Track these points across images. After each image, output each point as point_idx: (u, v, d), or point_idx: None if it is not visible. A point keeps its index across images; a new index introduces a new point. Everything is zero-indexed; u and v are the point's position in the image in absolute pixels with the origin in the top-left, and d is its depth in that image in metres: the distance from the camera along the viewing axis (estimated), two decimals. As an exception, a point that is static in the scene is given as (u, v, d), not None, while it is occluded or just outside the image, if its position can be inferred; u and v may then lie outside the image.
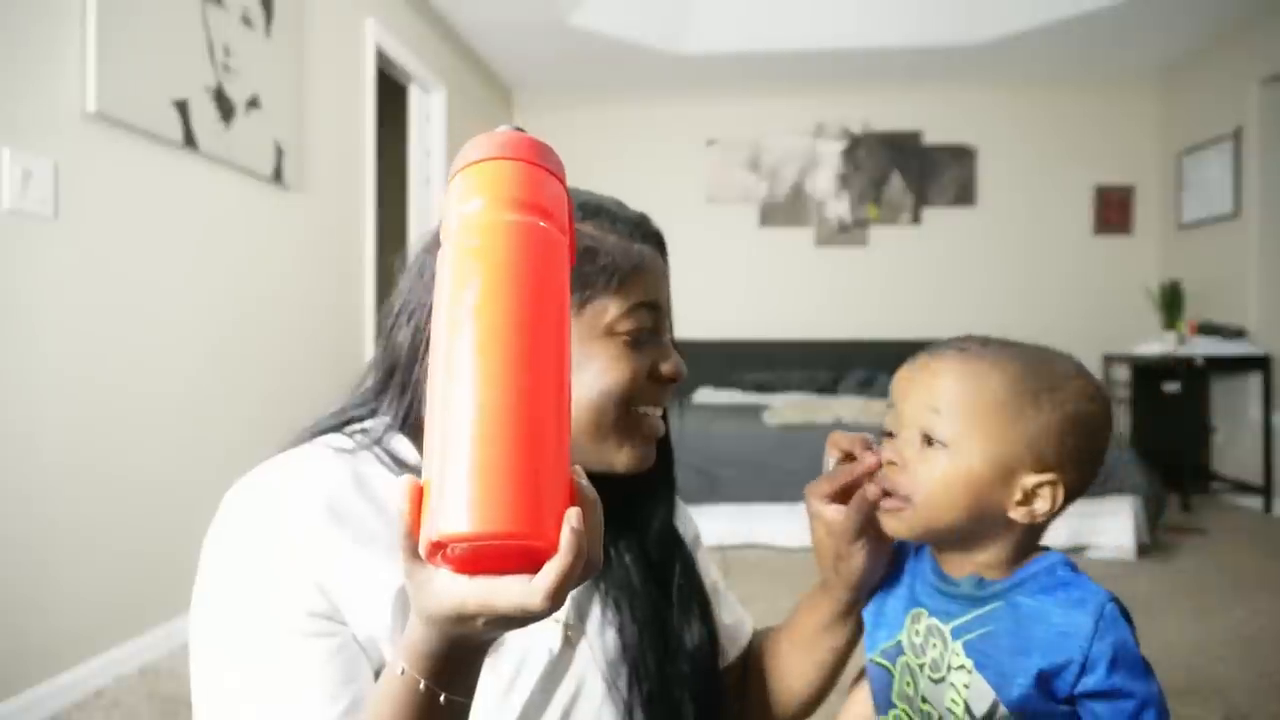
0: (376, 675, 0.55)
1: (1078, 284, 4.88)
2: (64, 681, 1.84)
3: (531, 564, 0.37)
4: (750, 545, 3.29)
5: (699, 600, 0.72)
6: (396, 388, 0.62)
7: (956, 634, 0.61)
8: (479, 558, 0.38)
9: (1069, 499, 0.61)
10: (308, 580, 0.53)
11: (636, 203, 0.68)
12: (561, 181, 0.44)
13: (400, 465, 0.59)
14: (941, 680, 0.61)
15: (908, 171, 5.04)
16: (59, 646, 1.85)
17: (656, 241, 0.66)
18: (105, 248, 1.98)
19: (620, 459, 0.61)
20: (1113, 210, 4.92)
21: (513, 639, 0.60)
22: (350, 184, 3.20)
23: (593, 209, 0.62)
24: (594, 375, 0.59)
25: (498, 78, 4.95)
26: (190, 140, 2.21)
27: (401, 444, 0.61)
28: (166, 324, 2.18)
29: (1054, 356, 0.63)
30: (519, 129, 0.44)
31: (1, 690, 1.71)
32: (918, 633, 0.64)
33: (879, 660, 0.67)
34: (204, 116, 2.26)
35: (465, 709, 0.45)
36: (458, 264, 0.40)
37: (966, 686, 0.59)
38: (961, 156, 5.00)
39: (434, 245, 0.61)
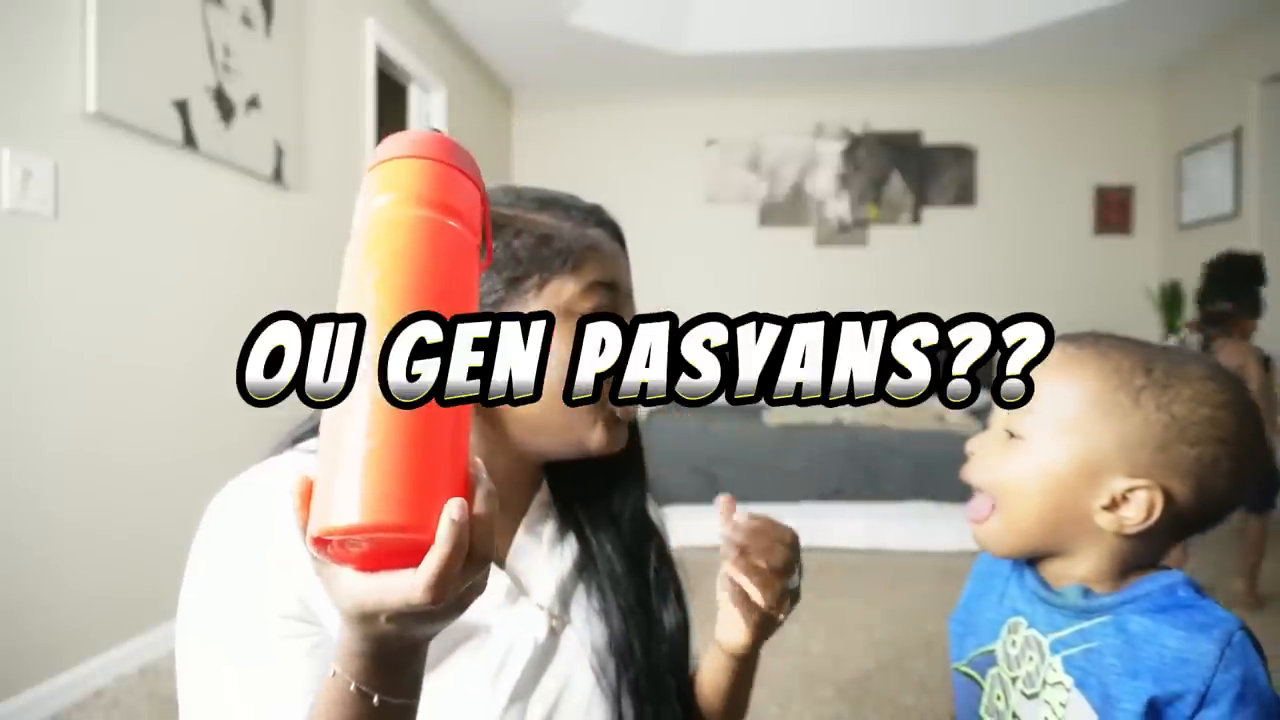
0: None
1: (1078, 284, 4.87)
2: (64, 681, 1.84)
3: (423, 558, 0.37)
4: (750, 545, 3.29)
5: (675, 585, 0.74)
6: None
7: (1055, 648, 0.56)
8: (375, 554, 0.37)
9: (1189, 516, 0.55)
10: (283, 584, 0.54)
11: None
12: (478, 185, 0.44)
13: None
14: (1035, 696, 0.56)
15: (908, 171, 5.04)
16: (59, 646, 1.85)
17: (612, 230, 0.67)
18: (105, 248, 1.98)
19: (593, 439, 0.62)
20: (1113, 210, 4.92)
21: (499, 627, 0.61)
22: (350, 184, 3.20)
23: (547, 200, 0.64)
24: (555, 356, 0.61)
25: (498, 78, 4.95)
26: (190, 140, 2.21)
27: None
28: (167, 324, 2.19)
29: (1185, 357, 0.56)
30: (436, 130, 0.44)
31: (1, 690, 1.72)
32: (1014, 643, 0.59)
33: (966, 670, 0.63)
34: (204, 116, 2.26)
35: (405, 710, 0.45)
36: (361, 256, 0.40)
37: (1063, 705, 0.54)
38: (961, 156, 5.00)
39: None
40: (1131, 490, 0.54)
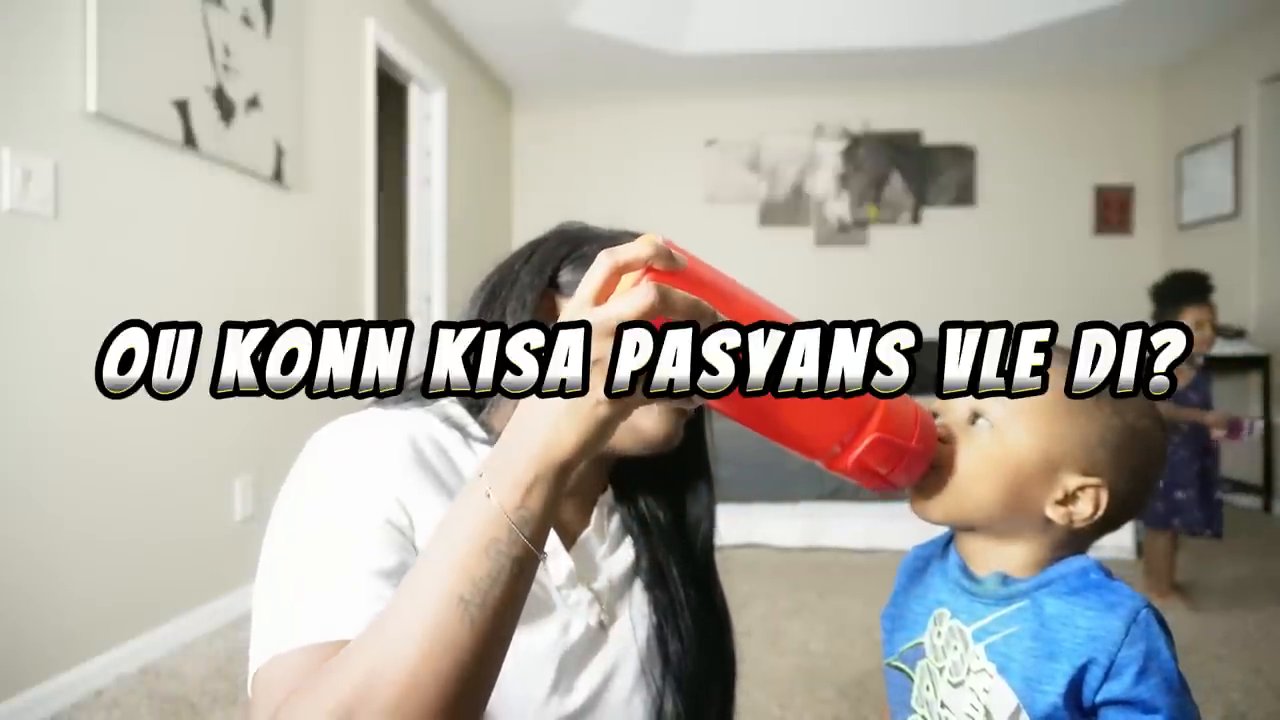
0: None
1: (1078, 284, 4.87)
2: (64, 681, 1.84)
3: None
4: (750, 545, 3.29)
5: (724, 605, 0.79)
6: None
7: (978, 636, 0.58)
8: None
9: (1120, 514, 0.58)
10: (392, 495, 0.59)
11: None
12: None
13: (468, 437, 0.67)
14: (960, 684, 0.58)
15: (908, 171, 5.04)
16: (59, 646, 1.85)
17: None
18: (105, 248, 1.98)
19: (648, 425, 0.65)
20: (1113, 210, 4.92)
21: (560, 606, 0.65)
22: (350, 184, 3.20)
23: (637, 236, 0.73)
24: None
25: (498, 78, 4.95)
26: (190, 140, 2.21)
27: (465, 416, 0.69)
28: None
29: None
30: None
31: (1, 690, 1.72)
32: (939, 634, 0.61)
33: (897, 664, 0.65)
34: (204, 116, 2.26)
35: (529, 558, 0.46)
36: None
37: (986, 691, 0.56)
38: (961, 156, 5.00)
39: (547, 252, 0.70)
40: (1083, 488, 0.57)
